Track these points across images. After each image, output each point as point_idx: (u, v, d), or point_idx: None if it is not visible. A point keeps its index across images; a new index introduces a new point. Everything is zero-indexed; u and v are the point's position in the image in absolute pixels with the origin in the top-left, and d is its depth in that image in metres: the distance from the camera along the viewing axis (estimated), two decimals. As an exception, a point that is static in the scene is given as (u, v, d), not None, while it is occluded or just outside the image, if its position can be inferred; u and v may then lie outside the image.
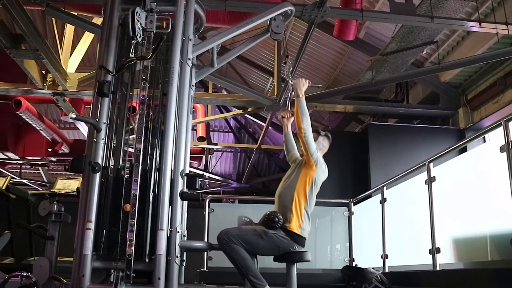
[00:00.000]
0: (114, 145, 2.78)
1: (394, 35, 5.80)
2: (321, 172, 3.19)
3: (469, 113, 7.00)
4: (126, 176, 2.72)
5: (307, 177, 3.12)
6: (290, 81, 3.30)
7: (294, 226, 2.99)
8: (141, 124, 2.69)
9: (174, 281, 2.49)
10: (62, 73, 6.22)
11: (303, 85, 3.14)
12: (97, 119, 2.69)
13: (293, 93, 3.14)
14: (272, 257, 3.04)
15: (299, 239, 3.00)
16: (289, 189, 3.13)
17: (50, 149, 9.26)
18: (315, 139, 3.24)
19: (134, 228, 2.50)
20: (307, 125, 3.05)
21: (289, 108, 3.47)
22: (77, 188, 2.77)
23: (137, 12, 2.65)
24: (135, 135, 2.73)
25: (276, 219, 2.88)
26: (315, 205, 6.49)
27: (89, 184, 2.59)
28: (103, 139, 2.68)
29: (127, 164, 2.79)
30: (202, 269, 4.88)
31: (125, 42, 2.95)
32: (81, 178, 2.82)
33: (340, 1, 5.51)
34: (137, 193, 2.59)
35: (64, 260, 3.13)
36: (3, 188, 4.72)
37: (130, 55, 2.80)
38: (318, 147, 3.22)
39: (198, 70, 3.25)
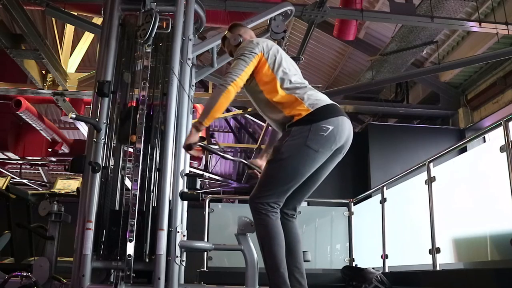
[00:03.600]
0: (114, 145, 2.78)
1: (394, 35, 5.81)
2: (266, 46, 2.43)
3: (469, 113, 7.00)
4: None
5: (262, 71, 2.40)
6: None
7: (302, 112, 2.29)
8: (141, 124, 2.69)
9: (174, 281, 2.49)
10: (62, 73, 6.23)
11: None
12: (97, 119, 2.69)
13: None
14: None
15: (318, 114, 2.30)
16: (263, 100, 2.42)
17: (50, 149, 9.24)
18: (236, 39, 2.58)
19: (134, 228, 2.50)
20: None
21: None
22: (77, 188, 2.78)
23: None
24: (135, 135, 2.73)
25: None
26: (315, 205, 6.49)
27: (89, 184, 2.59)
28: (103, 139, 2.68)
29: (128, 164, 2.79)
30: (202, 269, 4.88)
31: (125, 42, 2.96)
32: (81, 178, 2.82)
33: (340, 1, 5.52)
34: (137, 193, 2.59)
35: (64, 260, 3.12)
36: (3, 188, 4.72)
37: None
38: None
39: (198, 70, 3.25)
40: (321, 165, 2.35)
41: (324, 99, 2.39)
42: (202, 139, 2.83)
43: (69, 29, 6.74)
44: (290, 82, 2.38)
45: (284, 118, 2.35)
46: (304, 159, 2.26)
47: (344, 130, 2.33)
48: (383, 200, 4.71)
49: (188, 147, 2.33)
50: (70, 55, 6.81)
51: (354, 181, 7.08)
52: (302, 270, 2.35)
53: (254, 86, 2.44)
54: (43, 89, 6.44)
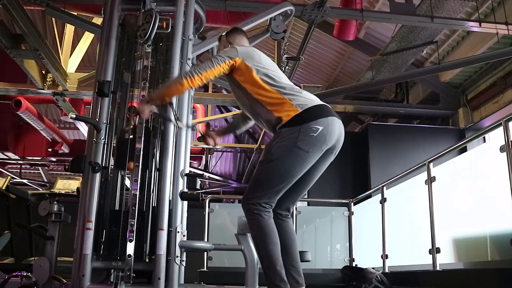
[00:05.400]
0: (114, 145, 2.78)
1: (394, 35, 5.81)
2: (246, 53, 2.45)
3: (469, 113, 7.01)
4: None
5: (246, 74, 2.42)
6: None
7: (290, 113, 2.30)
8: (141, 124, 2.69)
9: (174, 281, 2.49)
10: (62, 73, 6.23)
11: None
12: (97, 119, 2.69)
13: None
14: None
15: (307, 115, 2.30)
16: (252, 102, 2.43)
17: (50, 149, 9.25)
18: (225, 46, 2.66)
19: (134, 228, 2.50)
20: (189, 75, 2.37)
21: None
22: (77, 188, 2.77)
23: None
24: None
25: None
26: (315, 205, 6.48)
27: (89, 184, 2.59)
28: (103, 139, 2.68)
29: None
30: (202, 269, 4.88)
31: (125, 42, 2.96)
32: (81, 178, 2.82)
33: (340, 1, 5.52)
34: (137, 193, 2.59)
35: (64, 260, 3.12)
36: (3, 188, 4.72)
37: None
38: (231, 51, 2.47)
39: (198, 70, 3.24)
40: (313, 166, 2.36)
41: (313, 100, 2.40)
42: (202, 138, 2.85)
43: (69, 29, 6.74)
44: (279, 85, 2.40)
45: (274, 119, 2.36)
46: (294, 160, 2.27)
47: (334, 130, 2.33)
48: (383, 200, 4.71)
49: (138, 111, 2.60)
50: (70, 55, 6.81)
51: (354, 181, 7.08)
52: (299, 268, 2.36)
53: (242, 90, 2.45)
54: (43, 89, 6.44)
